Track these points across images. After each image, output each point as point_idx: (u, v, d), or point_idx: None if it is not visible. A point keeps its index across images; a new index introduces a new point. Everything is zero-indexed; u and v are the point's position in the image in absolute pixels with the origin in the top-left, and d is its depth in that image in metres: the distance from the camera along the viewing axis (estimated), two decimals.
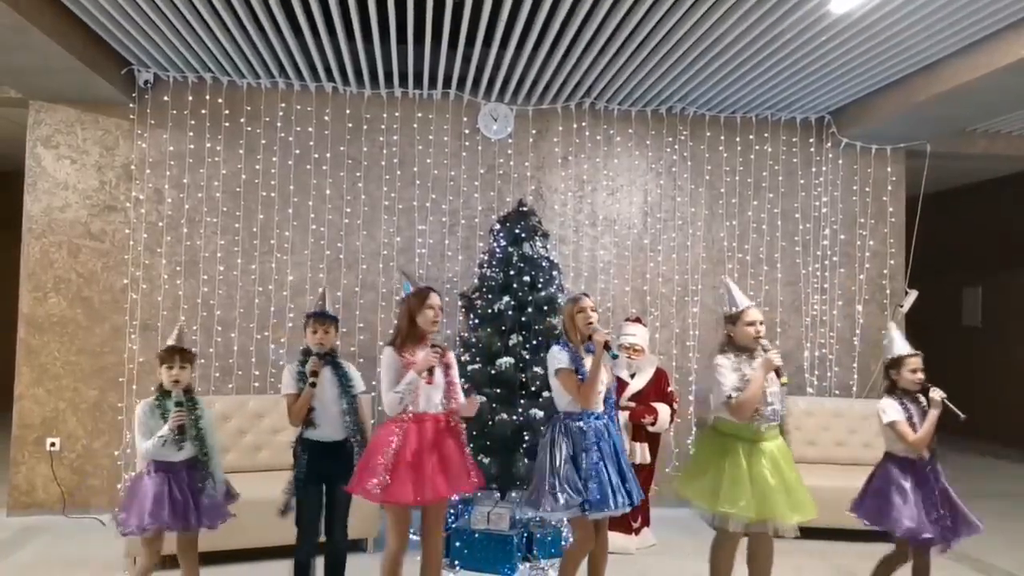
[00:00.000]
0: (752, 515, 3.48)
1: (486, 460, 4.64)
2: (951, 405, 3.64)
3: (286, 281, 5.75)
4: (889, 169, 6.46)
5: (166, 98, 5.67)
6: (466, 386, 4.22)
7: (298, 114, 5.83)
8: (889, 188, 6.45)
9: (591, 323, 3.69)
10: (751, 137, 6.33)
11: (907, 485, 3.66)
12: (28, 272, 5.54)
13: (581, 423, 3.62)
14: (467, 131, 6.03)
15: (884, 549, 3.88)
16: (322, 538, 3.77)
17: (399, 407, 3.46)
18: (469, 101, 6.01)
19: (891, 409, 3.74)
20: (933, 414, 3.65)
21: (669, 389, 5.14)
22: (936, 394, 3.66)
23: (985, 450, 8.34)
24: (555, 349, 3.73)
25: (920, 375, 3.76)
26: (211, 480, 3.56)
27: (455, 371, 3.69)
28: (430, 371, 3.50)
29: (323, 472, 3.70)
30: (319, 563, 3.79)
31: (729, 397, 3.56)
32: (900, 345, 3.85)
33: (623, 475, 3.63)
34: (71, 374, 5.54)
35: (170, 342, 3.63)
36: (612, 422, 3.77)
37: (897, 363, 3.80)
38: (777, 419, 3.67)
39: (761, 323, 3.71)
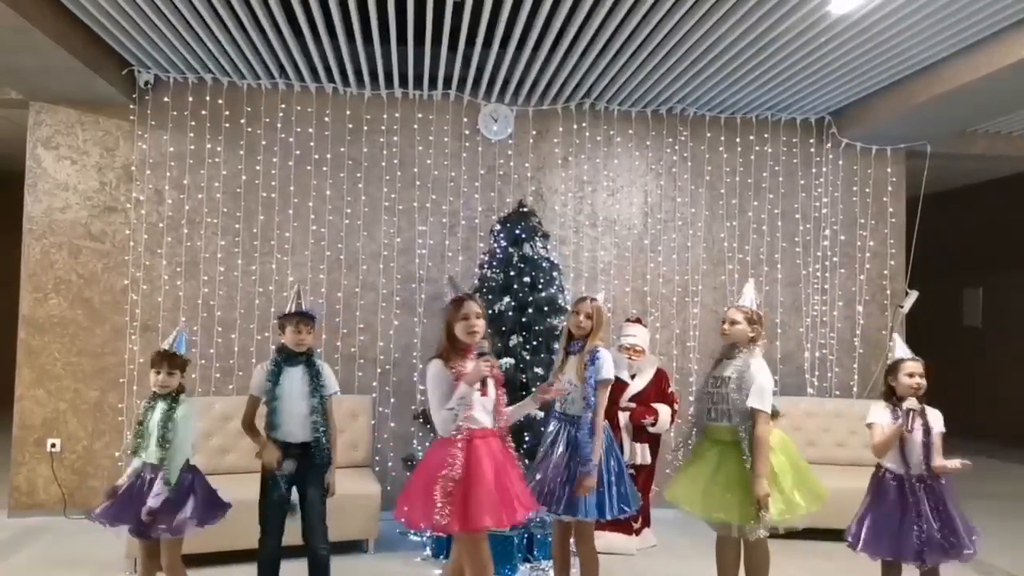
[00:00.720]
0: (686, 508, 3.69)
1: None
2: (908, 418, 3.50)
3: (287, 282, 5.75)
4: (889, 170, 6.46)
5: (166, 99, 5.67)
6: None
7: (298, 115, 5.83)
8: (889, 189, 6.45)
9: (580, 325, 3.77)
10: (751, 138, 6.33)
11: (885, 503, 3.55)
12: (28, 273, 5.54)
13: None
14: (467, 132, 6.03)
15: None
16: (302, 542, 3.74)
17: (452, 425, 3.15)
18: (469, 102, 6.01)
19: (875, 411, 3.65)
20: (897, 424, 3.52)
21: (670, 390, 5.14)
22: (906, 404, 3.53)
23: (985, 450, 8.33)
24: None
25: (918, 380, 3.59)
26: (162, 483, 3.41)
27: (500, 384, 3.44)
28: (483, 383, 3.23)
29: (293, 475, 3.64)
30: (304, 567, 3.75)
31: None
32: (899, 349, 3.72)
33: (564, 483, 3.62)
34: (72, 375, 5.54)
35: (163, 346, 3.62)
36: (569, 426, 3.74)
37: (894, 368, 3.66)
38: (722, 420, 3.67)
39: (729, 324, 3.74)
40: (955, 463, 3.44)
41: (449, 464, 3.09)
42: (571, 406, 3.73)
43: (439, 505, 3.05)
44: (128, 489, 3.48)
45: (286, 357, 3.72)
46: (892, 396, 3.65)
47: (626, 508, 3.70)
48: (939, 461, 3.49)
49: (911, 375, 3.59)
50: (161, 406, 3.51)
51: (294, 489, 3.70)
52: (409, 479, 3.36)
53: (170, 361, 3.54)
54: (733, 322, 3.73)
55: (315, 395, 3.67)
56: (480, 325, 3.29)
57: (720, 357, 3.83)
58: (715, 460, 3.65)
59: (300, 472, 3.66)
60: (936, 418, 3.58)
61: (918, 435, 3.51)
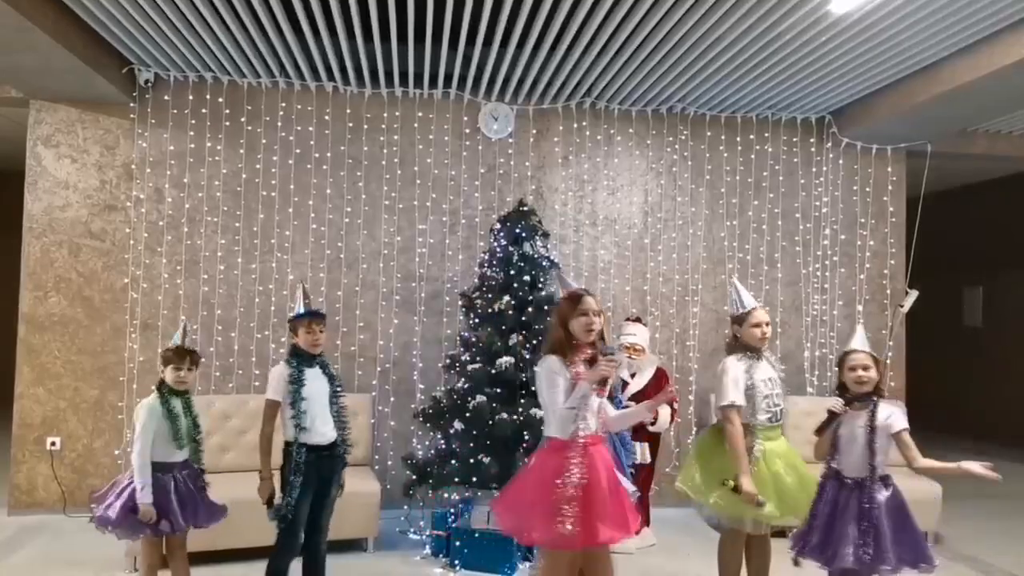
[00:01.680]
0: (729, 511, 3.59)
1: (486, 460, 4.64)
2: (830, 420, 3.28)
3: (286, 280, 5.75)
4: (890, 169, 6.46)
5: (167, 97, 5.67)
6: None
7: (298, 113, 5.83)
8: (890, 188, 6.45)
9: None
10: (751, 137, 6.33)
11: (818, 505, 3.32)
12: (29, 271, 5.54)
13: None
14: (467, 131, 6.03)
15: None
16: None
17: (572, 426, 2.96)
18: (469, 101, 6.01)
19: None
20: (828, 429, 3.29)
21: (669, 389, 5.13)
22: (828, 405, 3.30)
23: (985, 449, 8.33)
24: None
25: (860, 373, 3.24)
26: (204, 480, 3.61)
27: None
28: (602, 383, 3.06)
29: (322, 475, 3.65)
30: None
31: (731, 404, 3.59)
32: (853, 340, 3.40)
33: None
34: (71, 373, 5.55)
35: (177, 342, 3.62)
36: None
37: (842, 360, 3.36)
38: (779, 420, 3.70)
39: (767, 324, 3.75)
40: (977, 469, 2.98)
41: (570, 472, 2.90)
42: None
43: (565, 518, 2.83)
44: (176, 492, 3.47)
45: (302, 358, 3.67)
46: (845, 391, 3.33)
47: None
48: (924, 462, 3.15)
49: (853, 368, 3.28)
50: (179, 403, 3.55)
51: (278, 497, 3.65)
52: (514, 486, 3.14)
53: (191, 357, 3.57)
54: (769, 323, 3.76)
55: (335, 394, 3.72)
56: (598, 323, 3.12)
57: (752, 360, 3.70)
58: (781, 461, 3.61)
59: (324, 469, 3.66)
60: (891, 416, 3.21)
61: (859, 434, 3.21)
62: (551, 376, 3.03)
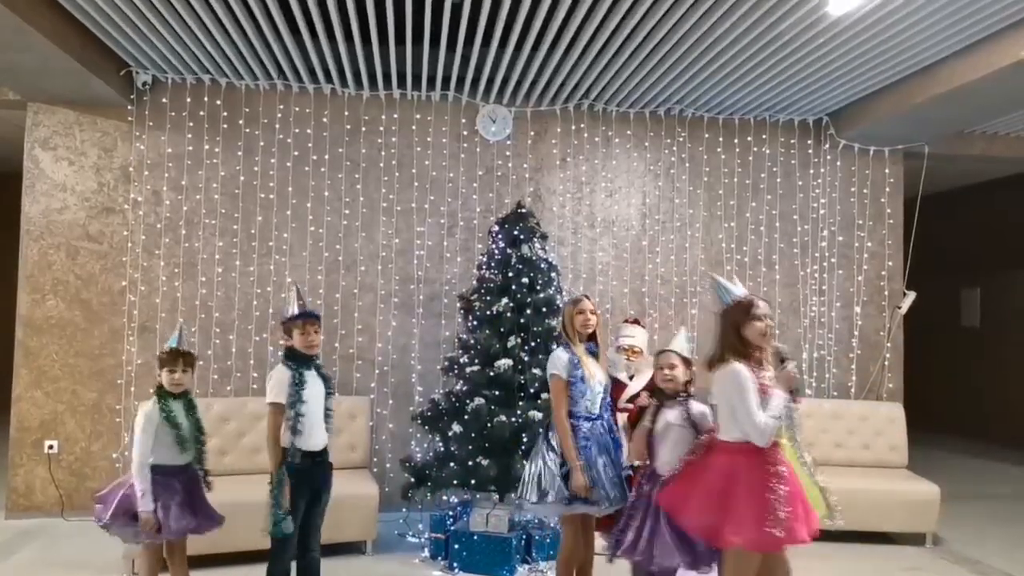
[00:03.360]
0: None
1: (485, 462, 4.63)
2: (641, 414, 3.47)
3: (284, 283, 5.74)
4: (887, 170, 6.47)
5: (164, 100, 5.67)
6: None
7: (296, 116, 5.83)
8: (887, 189, 6.45)
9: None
10: (749, 139, 6.33)
11: (634, 502, 3.43)
12: (26, 274, 5.53)
13: (573, 423, 3.67)
14: (466, 133, 6.03)
15: (884, 552, 3.86)
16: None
17: (772, 435, 2.97)
18: (468, 103, 6.01)
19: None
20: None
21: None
22: (638, 401, 3.43)
23: (984, 451, 8.34)
24: (557, 352, 3.76)
25: (666, 372, 3.44)
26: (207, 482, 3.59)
27: None
28: (792, 391, 3.08)
29: (313, 483, 3.58)
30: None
31: None
32: (673, 340, 3.62)
33: (613, 479, 3.63)
34: (69, 376, 5.54)
35: (172, 344, 3.58)
36: (606, 423, 3.77)
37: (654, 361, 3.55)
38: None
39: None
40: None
41: (780, 478, 2.95)
42: (597, 405, 3.76)
43: (778, 522, 2.88)
44: (177, 496, 3.45)
45: (300, 361, 3.59)
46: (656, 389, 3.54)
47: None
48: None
49: (660, 367, 3.46)
50: (179, 405, 3.52)
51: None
52: (703, 489, 3.06)
53: (185, 359, 3.53)
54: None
55: (327, 399, 3.65)
56: (771, 327, 3.13)
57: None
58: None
59: (316, 478, 3.62)
60: (701, 413, 3.37)
61: (673, 430, 3.35)
62: (745, 384, 2.97)
